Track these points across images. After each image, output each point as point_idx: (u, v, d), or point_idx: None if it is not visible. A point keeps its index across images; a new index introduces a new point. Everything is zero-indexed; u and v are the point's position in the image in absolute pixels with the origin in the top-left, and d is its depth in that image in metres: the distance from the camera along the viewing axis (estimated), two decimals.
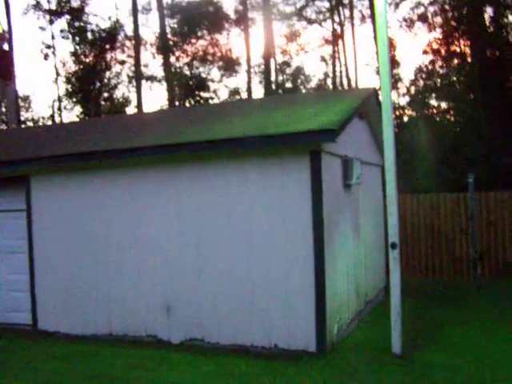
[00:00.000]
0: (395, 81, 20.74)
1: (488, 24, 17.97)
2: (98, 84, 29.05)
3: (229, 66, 27.63)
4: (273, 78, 26.24)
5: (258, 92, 28.23)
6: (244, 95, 27.81)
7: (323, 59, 26.74)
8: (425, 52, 20.74)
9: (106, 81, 29.89)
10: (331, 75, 24.99)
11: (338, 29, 25.42)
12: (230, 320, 7.53)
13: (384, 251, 10.50)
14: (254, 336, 7.41)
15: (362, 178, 8.91)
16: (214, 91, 28.46)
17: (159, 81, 28.81)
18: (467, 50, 19.04)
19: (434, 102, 19.90)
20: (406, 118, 20.52)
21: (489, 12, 18.13)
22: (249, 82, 27.37)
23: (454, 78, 18.80)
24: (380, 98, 7.50)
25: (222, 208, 7.57)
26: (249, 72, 27.40)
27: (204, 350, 7.47)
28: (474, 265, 11.80)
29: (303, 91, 24.48)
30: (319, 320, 7.05)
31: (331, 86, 24.42)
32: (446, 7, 19.20)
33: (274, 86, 25.60)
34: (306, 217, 7.07)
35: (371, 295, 9.89)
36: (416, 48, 26.76)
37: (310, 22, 26.82)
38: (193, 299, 7.73)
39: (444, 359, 6.76)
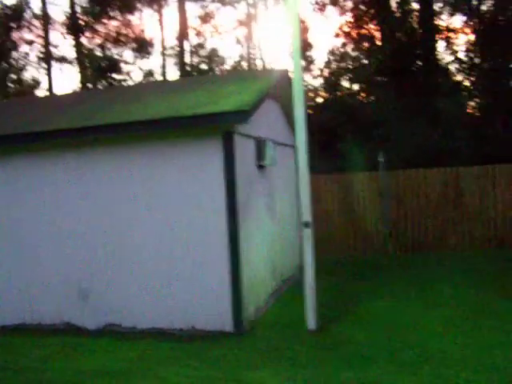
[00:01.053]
0: (309, 63, 21.03)
1: (395, 9, 18.58)
2: (5, 65, 27.68)
3: (142, 47, 27.05)
4: (187, 60, 25.95)
5: (173, 74, 27.85)
6: (159, 77, 27.37)
7: (238, 41, 26.68)
8: (337, 35, 21.09)
9: (13, 62, 28.50)
10: (246, 57, 25.01)
11: (252, 11, 25.48)
12: (148, 304, 7.48)
13: (301, 229, 10.70)
14: (172, 319, 7.40)
15: (276, 158, 9.02)
16: (128, 73, 27.86)
17: (70, 62, 27.81)
18: (377, 34, 19.55)
19: (346, 84, 20.34)
20: (320, 100, 20.87)
21: None
22: (163, 64, 26.98)
23: (365, 61, 19.28)
24: (291, 80, 7.59)
25: (140, 192, 7.47)
26: (163, 54, 26.98)
27: (122, 335, 7.38)
28: (386, 240, 12.28)
29: (219, 72, 24.36)
30: (236, 300, 7.13)
31: (246, 69, 24.45)
32: None
33: (188, 68, 25.33)
34: (220, 198, 7.09)
35: (288, 274, 10.09)
36: (329, 31, 27.27)
37: (223, 3, 26.66)
38: (109, 284, 7.61)
39: (357, 332, 7.00)
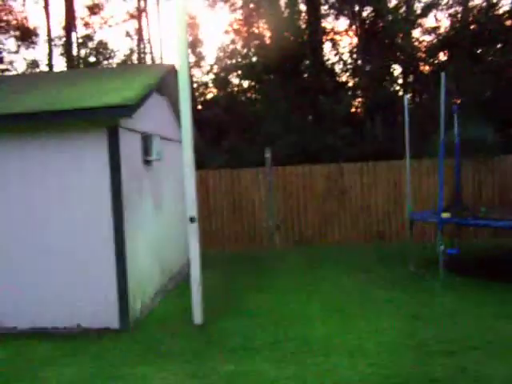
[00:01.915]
0: (199, 59, 20.99)
1: (283, 9, 19.00)
2: None
3: (26, 36, 25.79)
4: (75, 52, 25.07)
5: (60, 65, 26.79)
6: (44, 68, 26.22)
7: (128, 34, 26.11)
8: (227, 32, 21.20)
9: None
10: (136, 51, 24.55)
11: (143, 4, 25.05)
12: (30, 302, 7.22)
13: (187, 225, 10.72)
14: (55, 317, 7.19)
15: (164, 154, 8.98)
16: (11, 63, 26.48)
17: None
18: (267, 33, 19.89)
19: (236, 81, 20.51)
20: (210, 96, 20.90)
21: None
22: (49, 55, 25.87)
23: (254, 59, 19.54)
24: (178, 75, 7.56)
25: (19, 187, 7.16)
26: (49, 44, 25.86)
27: (1, 336, 7.08)
28: (272, 235, 12.58)
29: (106, 65, 23.73)
30: (121, 296, 7.06)
31: (136, 63, 24.00)
32: None
33: (76, 60, 24.48)
34: (105, 193, 6.98)
35: (176, 269, 10.08)
36: (220, 28, 27.30)
37: None
38: None
39: (242, 325, 7.14)
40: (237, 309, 8.01)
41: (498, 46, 17.66)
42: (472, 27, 17.81)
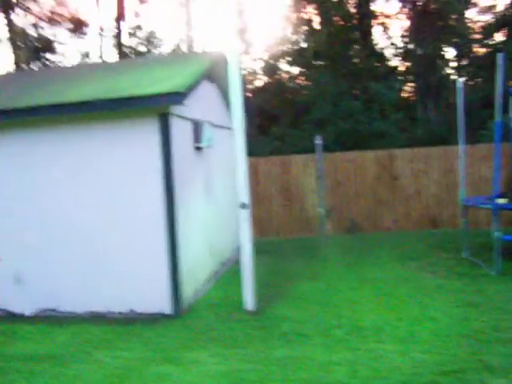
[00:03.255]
0: (248, 46, 20.96)
1: None
2: None
3: (78, 27, 26.35)
4: (125, 42, 25.46)
5: (111, 56, 27.27)
6: (96, 59, 26.75)
7: (177, 23, 26.36)
8: (276, 18, 21.14)
9: None
10: (185, 39, 24.72)
11: None
12: (85, 287, 7.42)
13: (240, 212, 10.80)
14: (110, 302, 7.36)
15: (214, 141, 9.04)
16: (63, 54, 27.11)
17: (2, 42, 26.74)
18: (316, 18, 19.71)
19: (285, 67, 20.42)
20: (260, 83, 20.89)
21: None
22: (101, 46, 26.37)
23: (304, 45, 19.40)
24: (230, 62, 7.58)
25: (76, 174, 7.34)
26: (100, 35, 26.36)
27: (60, 320, 7.29)
28: (323, 222, 12.52)
29: (156, 54, 24.03)
30: (174, 282, 7.15)
31: (185, 51, 24.19)
32: None
33: (126, 50, 24.87)
34: (158, 180, 7.08)
35: (227, 255, 10.17)
36: (270, 14, 27.12)
37: None
38: (44, 268, 7.49)
39: (293, 311, 7.14)
40: (289, 295, 8.02)
41: None
42: None
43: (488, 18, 18.21)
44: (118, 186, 7.24)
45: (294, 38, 19.65)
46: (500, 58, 8.64)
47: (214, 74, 9.36)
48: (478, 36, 18.10)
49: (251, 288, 7.26)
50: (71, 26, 26.50)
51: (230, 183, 10.64)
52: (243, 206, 7.18)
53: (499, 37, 17.85)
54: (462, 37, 17.39)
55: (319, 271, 9.51)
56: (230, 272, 9.75)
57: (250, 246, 7.29)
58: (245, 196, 7.20)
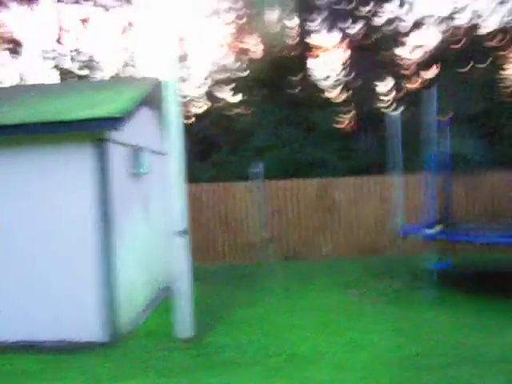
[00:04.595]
0: (189, 73, 20.99)
1: (274, 24, 19.13)
2: None
3: (16, 48, 25.74)
4: (64, 65, 25.02)
5: (49, 78, 26.72)
6: (33, 81, 26.15)
7: (117, 48, 26.09)
8: (218, 46, 21.25)
9: None
10: (125, 65, 24.50)
11: (133, 18, 25.06)
12: (18, 315, 7.12)
13: (177, 237, 10.68)
14: (43, 331, 7.08)
15: (153, 167, 8.95)
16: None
17: None
18: (258, 47, 19.98)
19: (227, 95, 20.52)
20: (201, 110, 20.86)
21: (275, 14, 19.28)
22: (38, 68, 25.84)
23: (245, 73, 19.60)
24: (170, 88, 7.54)
25: (8, 197, 7.12)
26: (39, 56, 25.84)
27: None
28: (263, 249, 12.53)
29: (96, 78, 23.69)
30: (109, 309, 7.00)
31: (125, 76, 23.95)
32: (238, 5, 19.90)
33: (66, 73, 24.43)
34: (92, 205, 6.93)
35: (165, 282, 9.99)
36: (212, 41, 27.18)
37: (106, 8, 25.98)
38: None
39: (230, 339, 7.09)
40: (227, 322, 7.96)
41: (486, 63, 17.85)
42: (459, 45, 18.05)
43: (421, 54, 18.96)
44: (52, 211, 7.04)
45: (235, 66, 19.83)
46: (430, 92, 8.99)
47: (154, 100, 9.30)
48: (412, 71, 18.79)
49: (188, 315, 7.16)
50: (10, 46, 25.86)
51: (167, 208, 10.54)
52: (182, 232, 7.11)
53: (432, 72, 18.60)
54: (397, 70, 18.04)
55: (259, 298, 9.48)
56: (168, 299, 9.56)
57: (188, 273, 7.20)
58: (183, 222, 7.13)
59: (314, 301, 9.10)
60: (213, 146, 17.05)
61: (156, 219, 9.70)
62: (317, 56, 19.84)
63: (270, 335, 7.19)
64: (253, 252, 13.24)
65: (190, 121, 19.48)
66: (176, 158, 7.09)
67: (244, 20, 19.72)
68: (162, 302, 9.41)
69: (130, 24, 21.04)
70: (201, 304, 8.30)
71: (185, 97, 19.82)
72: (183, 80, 19.64)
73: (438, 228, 9.09)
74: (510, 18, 18.14)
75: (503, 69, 17.93)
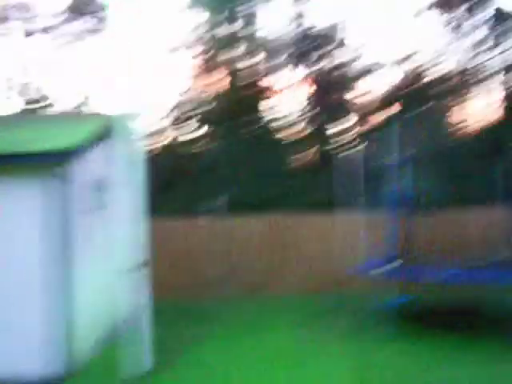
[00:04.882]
0: (155, 104, 20.92)
1: (241, 59, 19.43)
2: None
3: None
4: (16, 98, 24.58)
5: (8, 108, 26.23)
6: None
7: (76, 81, 25.71)
8: (187, 78, 21.33)
9: None
10: (86, 98, 24.19)
11: (92, 52, 24.78)
12: None
13: (135, 272, 10.52)
14: None
15: (111, 200, 8.83)
16: None
17: None
18: (226, 80, 20.15)
19: (192, 127, 20.53)
20: (164, 143, 20.77)
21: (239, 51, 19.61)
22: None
23: (210, 106, 19.70)
24: (129, 122, 7.51)
25: None
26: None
27: None
28: (223, 283, 12.41)
29: (48, 113, 23.31)
30: (59, 344, 6.81)
31: (80, 110, 23.60)
32: (204, 38, 20.09)
33: (17, 106, 23.97)
34: (43, 241, 6.79)
35: (118, 318, 9.76)
36: (179, 73, 27.21)
37: (66, 41, 25.73)
38: None
39: (186, 376, 6.96)
40: (181, 359, 7.82)
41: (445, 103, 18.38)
42: (420, 84, 18.56)
43: (383, 92, 19.42)
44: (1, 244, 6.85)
45: (199, 100, 19.93)
46: (391, 130, 9.16)
47: (114, 134, 9.24)
48: (374, 108, 19.19)
49: (145, 350, 7.02)
50: None
51: (126, 242, 10.38)
52: (141, 265, 7.00)
53: (393, 109, 19.03)
54: (359, 108, 18.41)
55: (215, 334, 9.42)
56: (120, 335, 9.36)
57: (146, 307, 7.08)
58: (143, 255, 7.04)
59: (269, 337, 9.06)
60: (176, 178, 16.96)
61: (114, 252, 9.52)
62: (280, 93, 20.13)
63: (224, 372, 7.08)
64: (213, 286, 13.07)
65: (153, 153, 19.41)
66: (136, 191, 7.02)
67: (209, 55, 19.91)
68: (116, 338, 9.19)
69: (94, 57, 20.94)
70: (158, 339, 8.14)
71: (147, 130, 19.76)
72: (146, 113, 19.62)
73: (396, 264, 9.15)
74: (467, 60, 18.78)
75: (461, 109, 18.48)
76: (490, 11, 18.38)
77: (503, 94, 18.71)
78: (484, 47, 18.70)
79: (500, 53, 18.54)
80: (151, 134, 19.79)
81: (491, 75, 18.81)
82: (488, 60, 18.78)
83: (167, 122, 20.12)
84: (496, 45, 18.47)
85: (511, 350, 7.81)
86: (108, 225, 9.32)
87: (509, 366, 7.20)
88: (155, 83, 20.45)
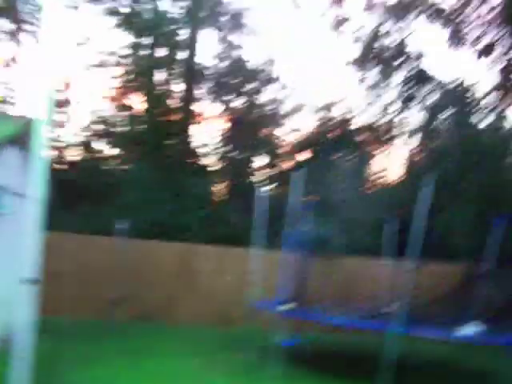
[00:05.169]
0: (67, 119, 20.43)
1: (160, 85, 19.47)
2: None
3: None
4: None
5: None
6: None
7: None
8: (103, 98, 21.03)
9: None
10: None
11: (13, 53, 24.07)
12: None
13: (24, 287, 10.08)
14: None
15: (12, 208, 8.55)
16: None
17: None
18: (142, 105, 20.05)
19: (104, 147, 20.20)
20: (75, 158, 20.26)
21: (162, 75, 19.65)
22: None
23: (125, 128, 19.51)
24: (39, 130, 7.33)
25: None
26: None
27: None
28: (118, 307, 12.15)
29: None
30: None
31: None
32: (123, 61, 19.98)
33: None
34: None
35: (5, 332, 9.34)
36: (97, 93, 26.70)
37: None
38: None
39: None
40: (67, 380, 7.54)
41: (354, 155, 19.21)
42: (332, 134, 19.35)
43: (296, 137, 20.06)
44: None
45: (116, 120, 19.69)
46: (299, 174, 9.47)
47: (22, 140, 8.99)
48: (287, 151, 19.75)
49: (27, 371, 6.69)
50: None
51: (18, 255, 9.97)
52: (31, 280, 6.74)
53: (304, 156, 19.69)
54: (273, 149, 18.89)
55: (104, 358, 9.15)
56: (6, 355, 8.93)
57: (32, 325, 6.79)
58: (34, 270, 6.78)
59: (157, 367, 8.93)
60: (82, 196, 16.55)
61: (5, 264, 9.15)
62: (198, 123, 20.29)
63: None
64: (107, 309, 12.75)
65: (63, 167, 18.90)
66: (36, 203, 6.80)
67: (131, 76, 19.82)
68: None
69: (13, 59, 20.25)
70: (42, 360, 7.82)
71: (60, 142, 19.27)
72: (60, 125, 19.16)
73: (290, 305, 9.34)
74: (376, 119, 19.82)
75: (368, 163, 19.37)
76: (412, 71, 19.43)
77: (406, 154, 19.81)
78: (398, 106, 19.77)
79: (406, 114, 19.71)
80: (64, 147, 19.33)
81: (400, 134, 19.91)
82: (400, 118, 19.86)
83: (79, 137, 19.68)
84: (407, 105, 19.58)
85: None
86: (8, 232, 8.98)
87: None
88: (76, 96, 20.11)
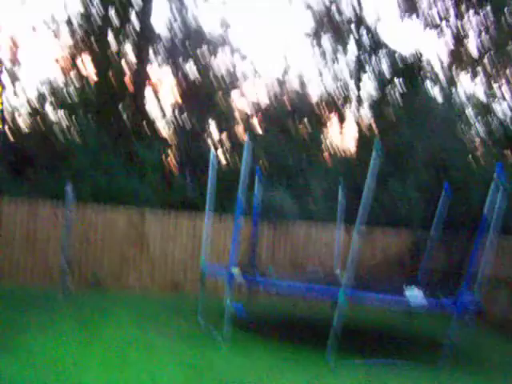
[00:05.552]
0: (14, 80, 19.71)
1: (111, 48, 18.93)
2: None
3: None
4: None
5: None
6: None
7: None
8: (52, 60, 20.31)
9: None
10: None
11: None
12: None
13: None
14: None
15: None
16: None
17: None
18: (92, 68, 19.47)
19: (51, 111, 19.58)
20: (21, 122, 19.64)
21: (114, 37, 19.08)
22: None
23: (73, 91, 18.95)
24: None
25: None
26: None
27: None
28: (64, 274, 12.00)
29: None
30: None
31: None
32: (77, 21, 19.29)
33: None
34: None
35: None
36: (45, 55, 25.70)
37: None
38: None
39: (13, 367, 6.63)
40: (11, 347, 7.44)
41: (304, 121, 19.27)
42: (285, 102, 19.36)
43: (248, 102, 19.93)
44: None
45: (65, 83, 19.09)
46: (250, 141, 9.45)
47: None
48: (240, 118, 19.62)
49: None
50: None
51: None
52: None
53: (256, 122, 19.63)
54: (224, 114, 18.77)
55: (50, 325, 9.05)
56: None
57: None
58: None
59: (107, 333, 8.90)
60: (28, 161, 16.10)
61: None
62: (151, 88, 19.90)
63: (56, 368, 6.83)
64: (54, 276, 12.59)
65: (7, 130, 18.32)
66: None
67: (81, 38, 19.19)
68: None
69: None
70: None
71: (4, 104, 18.65)
72: (4, 86, 18.49)
73: (238, 270, 9.39)
74: (332, 88, 19.85)
75: (321, 130, 19.43)
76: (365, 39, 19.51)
77: (359, 123, 19.94)
78: (351, 75, 19.83)
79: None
80: (11, 110, 18.73)
81: (353, 103, 20.00)
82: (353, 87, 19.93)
83: (29, 100, 19.03)
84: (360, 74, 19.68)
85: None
86: None
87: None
88: (21, 58, 19.39)
